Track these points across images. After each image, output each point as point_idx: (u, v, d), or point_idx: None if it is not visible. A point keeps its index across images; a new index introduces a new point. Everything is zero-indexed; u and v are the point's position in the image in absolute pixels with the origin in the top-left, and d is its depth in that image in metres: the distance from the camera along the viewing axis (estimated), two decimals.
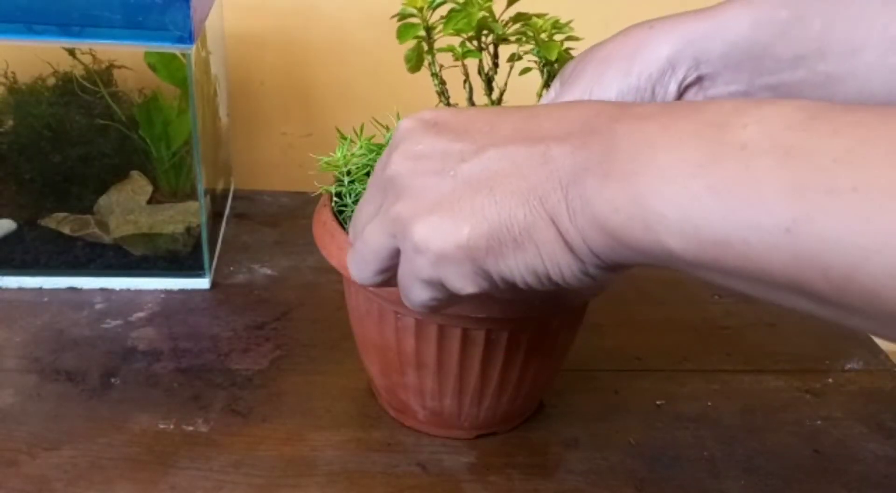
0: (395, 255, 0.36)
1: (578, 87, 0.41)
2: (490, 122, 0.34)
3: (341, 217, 0.50)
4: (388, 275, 0.37)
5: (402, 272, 0.36)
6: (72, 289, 0.65)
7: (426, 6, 0.49)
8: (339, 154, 0.50)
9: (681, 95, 0.40)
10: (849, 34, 0.37)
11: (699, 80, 0.40)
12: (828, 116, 0.25)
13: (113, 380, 0.56)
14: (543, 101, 0.45)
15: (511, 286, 0.34)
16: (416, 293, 0.36)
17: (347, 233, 0.48)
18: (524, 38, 0.50)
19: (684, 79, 0.40)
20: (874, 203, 0.22)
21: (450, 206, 0.33)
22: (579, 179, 0.30)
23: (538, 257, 0.32)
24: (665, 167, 0.27)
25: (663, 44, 0.39)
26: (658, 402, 0.59)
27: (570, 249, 0.31)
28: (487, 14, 0.48)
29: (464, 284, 0.34)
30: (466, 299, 0.35)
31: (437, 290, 0.35)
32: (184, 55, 0.60)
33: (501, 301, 0.44)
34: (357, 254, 0.38)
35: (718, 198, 0.26)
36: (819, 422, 0.58)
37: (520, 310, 0.45)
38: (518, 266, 0.33)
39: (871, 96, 0.37)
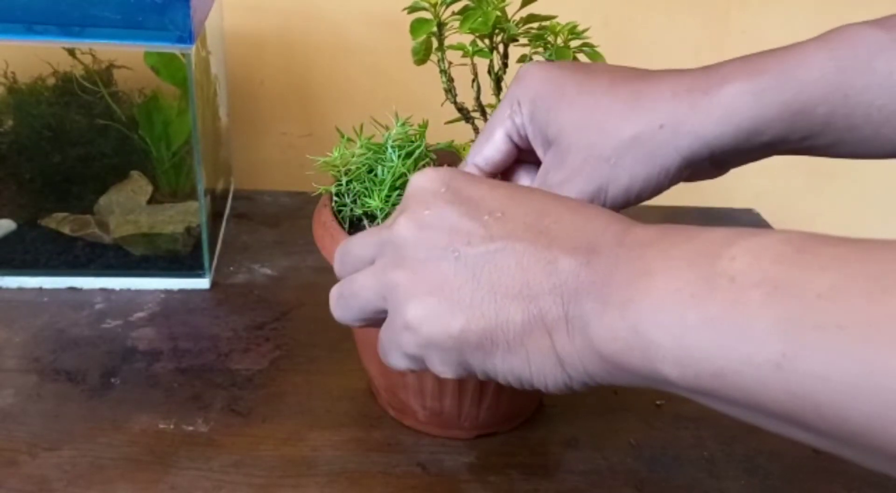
0: (381, 311, 0.36)
1: (583, 176, 0.41)
2: (503, 206, 0.34)
3: (340, 216, 0.50)
4: (369, 323, 0.38)
5: (386, 337, 0.36)
6: (72, 289, 0.65)
7: (439, 2, 0.49)
8: (336, 154, 0.50)
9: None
10: (849, 115, 0.39)
11: (711, 163, 0.41)
12: (814, 249, 0.25)
13: (113, 380, 0.56)
14: (498, 113, 0.45)
15: (490, 379, 0.34)
16: (395, 359, 0.36)
17: (348, 233, 0.48)
18: (539, 42, 0.49)
19: (697, 168, 0.41)
20: (858, 341, 0.23)
21: (449, 292, 0.33)
22: (580, 299, 0.30)
23: (526, 364, 0.32)
24: (660, 297, 0.28)
25: (680, 148, 0.40)
26: (658, 402, 0.59)
27: (562, 364, 0.31)
28: (500, 13, 0.48)
29: (444, 369, 0.34)
30: None
31: (417, 363, 0.35)
32: (184, 55, 0.60)
33: None
34: (342, 298, 0.38)
35: (712, 330, 0.26)
36: None
37: None
38: (503, 367, 0.33)
39: (863, 153, 0.40)
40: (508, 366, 0.33)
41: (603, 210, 0.34)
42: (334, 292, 0.39)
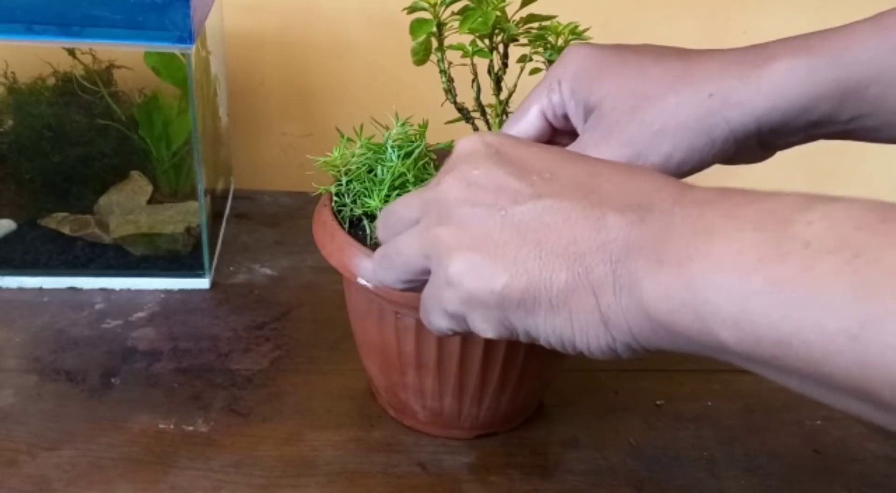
0: (425, 272, 0.36)
1: (622, 138, 0.40)
2: (551, 167, 0.33)
3: (340, 216, 0.50)
4: (412, 286, 0.37)
5: (428, 295, 0.36)
6: (72, 289, 0.65)
7: (439, 2, 0.49)
8: (336, 154, 0.50)
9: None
10: None
11: (758, 141, 0.41)
12: None
13: (113, 380, 0.56)
14: (536, 90, 0.44)
15: (533, 341, 0.33)
16: (437, 320, 0.36)
17: (347, 233, 0.48)
18: (539, 42, 0.49)
19: (743, 145, 0.41)
20: None
21: (493, 247, 0.32)
22: (631, 257, 0.29)
23: (569, 323, 0.31)
24: (723, 257, 0.27)
25: (729, 119, 0.39)
26: (658, 402, 0.59)
27: (606, 323, 0.30)
28: (500, 13, 0.48)
29: (486, 328, 0.34)
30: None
31: (458, 323, 0.35)
32: (184, 55, 0.60)
33: None
34: (386, 259, 0.38)
35: (780, 295, 0.25)
36: (819, 422, 0.58)
37: None
38: (546, 327, 0.32)
39: None
40: (551, 325, 0.32)
41: (656, 172, 0.33)
42: (377, 253, 0.38)
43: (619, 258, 0.30)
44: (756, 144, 0.41)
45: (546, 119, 0.44)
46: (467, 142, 0.36)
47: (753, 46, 0.41)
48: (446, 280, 0.33)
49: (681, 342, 0.29)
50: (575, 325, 0.31)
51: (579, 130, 0.43)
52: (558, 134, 0.45)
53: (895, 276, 0.23)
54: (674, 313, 0.28)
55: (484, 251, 0.32)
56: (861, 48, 0.38)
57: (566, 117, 0.44)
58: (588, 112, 0.42)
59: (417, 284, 0.37)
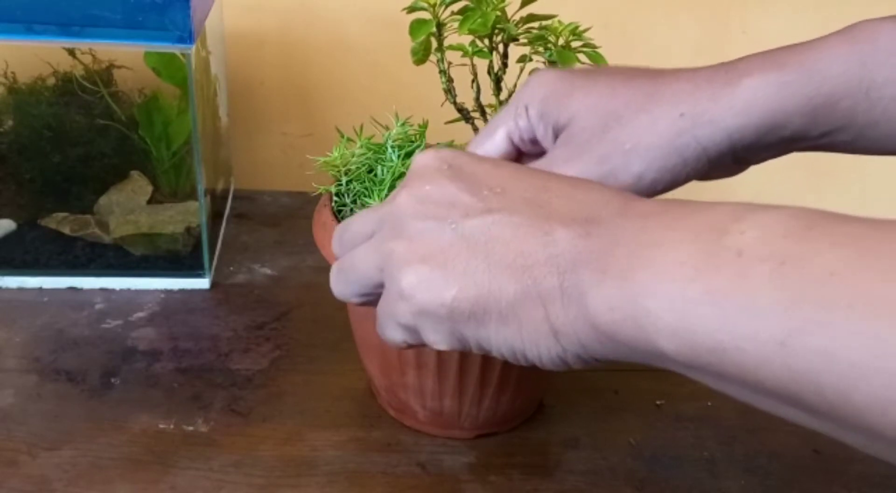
0: (379, 286, 0.36)
1: (593, 156, 0.40)
2: (502, 182, 0.34)
3: (340, 216, 0.50)
4: (368, 299, 0.38)
5: (382, 308, 0.36)
6: (72, 289, 0.65)
7: (439, 2, 0.49)
8: (336, 154, 0.50)
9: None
10: (870, 110, 0.38)
11: (732, 158, 0.41)
12: (825, 226, 0.25)
13: (113, 380, 0.56)
14: (502, 113, 0.44)
15: (486, 353, 0.34)
16: (391, 332, 0.36)
17: None
18: (539, 42, 0.49)
19: (717, 163, 0.40)
20: (869, 320, 0.22)
21: (444, 260, 0.32)
22: (578, 269, 0.30)
23: (519, 335, 0.32)
24: (662, 268, 0.27)
25: (700, 138, 0.39)
26: (658, 402, 0.59)
27: (555, 334, 0.31)
28: (500, 13, 0.48)
29: (438, 339, 0.34)
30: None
31: (412, 335, 0.35)
32: (184, 55, 0.60)
33: None
34: (342, 273, 0.38)
35: (714, 304, 0.25)
36: None
37: None
38: (497, 338, 0.32)
39: (882, 149, 0.40)
40: (502, 337, 0.32)
41: (605, 186, 0.34)
42: (334, 268, 0.39)
43: (566, 270, 0.30)
44: (730, 160, 0.41)
45: (512, 142, 0.44)
46: (422, 158, 0.36)
47: (724, 64, 0.41)
48: (399, 293, 0.33)
49: (625, 352, 0.29)
50: (525, 336, 0.32)
51: (549, 151, 0.43)
52: (525, 157, 0.45)
53: (819, 284, 0.23)
54: (617, 323, 0.28)
55: (434, 264, 0.32)
56: (832, 62, 0.38)
57: (533, 141, 0.44)
58: (557, 132, 0.42)
59: (373, 297, 0.37)
